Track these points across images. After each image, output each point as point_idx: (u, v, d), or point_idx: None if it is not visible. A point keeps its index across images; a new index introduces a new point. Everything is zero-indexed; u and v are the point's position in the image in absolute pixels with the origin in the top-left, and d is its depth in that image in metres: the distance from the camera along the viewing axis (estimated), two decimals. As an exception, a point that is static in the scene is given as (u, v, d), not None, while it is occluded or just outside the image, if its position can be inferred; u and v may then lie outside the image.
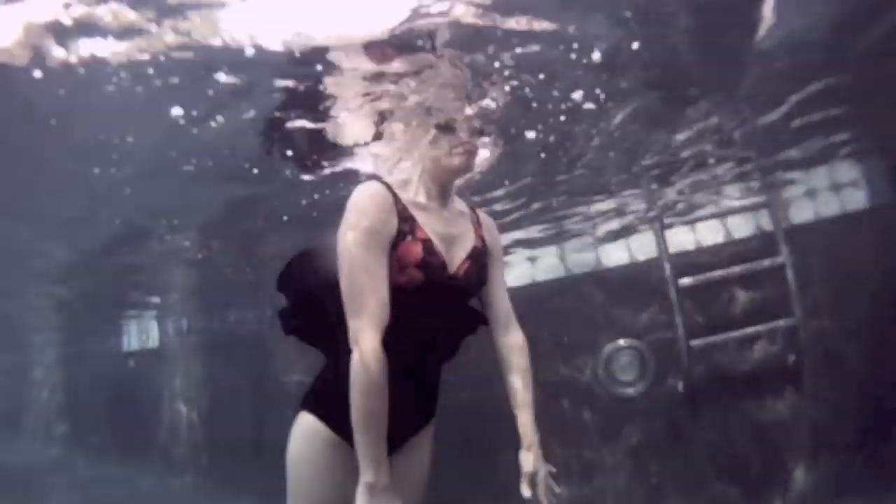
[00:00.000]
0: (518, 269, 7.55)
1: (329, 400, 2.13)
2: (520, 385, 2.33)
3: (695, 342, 5.23)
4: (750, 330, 5.19)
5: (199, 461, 9.77)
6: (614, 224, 6.89)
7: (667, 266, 5.36)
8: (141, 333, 12.03)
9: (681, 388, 5.47)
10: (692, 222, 6.44)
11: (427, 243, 2.14)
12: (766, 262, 5.17)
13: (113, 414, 12.14)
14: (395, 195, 2.15)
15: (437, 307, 2.21)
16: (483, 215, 2.48)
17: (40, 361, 16.06)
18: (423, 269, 2.11)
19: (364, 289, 1.95)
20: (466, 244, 2.29)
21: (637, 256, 6.65)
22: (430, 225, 2.19)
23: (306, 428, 2.15)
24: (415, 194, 2.24)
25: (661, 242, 5.48)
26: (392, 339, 1.96)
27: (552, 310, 6.18)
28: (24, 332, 15.92)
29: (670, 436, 5.57)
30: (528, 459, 2.22)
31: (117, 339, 12.60)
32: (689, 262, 5.61)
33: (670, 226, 6.22)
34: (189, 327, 11.03)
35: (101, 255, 9.27)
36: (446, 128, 2.26)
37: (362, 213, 2.05)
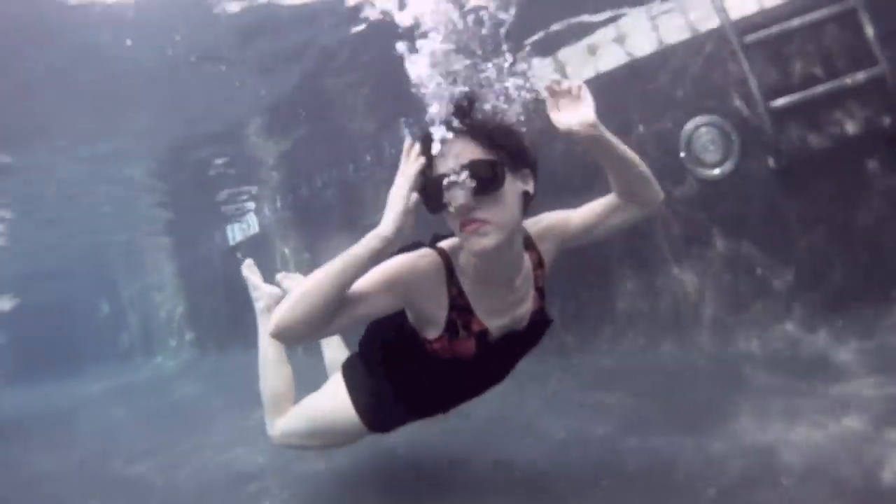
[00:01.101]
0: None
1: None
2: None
3: (776, 103, 4.38)
4: (831, 86, 4.28)
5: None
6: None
7: (728, 25, 4.55)
8: (241, 224, 12.23)
9: (772, 164, 4.60)
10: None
11: (482, 337, 2.19)
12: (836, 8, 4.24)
13: (229, 308, 12.50)
14: (451, 273, 2.14)
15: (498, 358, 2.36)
16: (542, 241, 2.35)
17: (159, 284, 16.78)
18: (478, 356, 2.21)
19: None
20: (527, 304, 2.30)
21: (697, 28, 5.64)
22: (487, 307, 2.19)
23: None
24: (474, 274, 2.15)
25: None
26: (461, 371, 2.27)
27: (620, 97, 5.43)
28: (139, 258, 16.83)
29: (767, 217, 4.75)
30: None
31: (222, 237, 12.81)
32: (751, 23, 4.67)
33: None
34: (282, 203, 11.08)
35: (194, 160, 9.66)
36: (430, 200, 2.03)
37: (400, 266, 2.07)
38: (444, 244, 2.21)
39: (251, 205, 11.96)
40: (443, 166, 1.96)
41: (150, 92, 6.83)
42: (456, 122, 1.96)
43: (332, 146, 9.02)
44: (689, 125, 5.04)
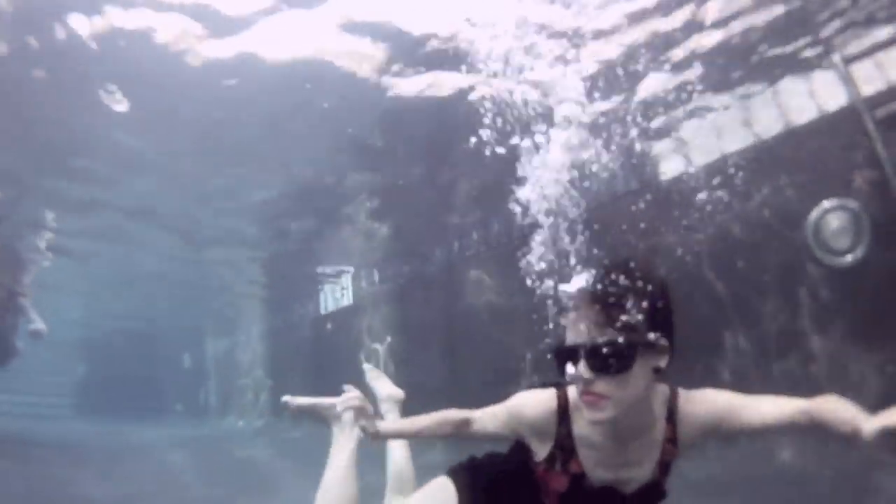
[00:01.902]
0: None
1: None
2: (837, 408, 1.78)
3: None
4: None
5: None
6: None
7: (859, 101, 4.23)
8: (335, 293, 12.28)
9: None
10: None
11: (577, 479, 2.14)
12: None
13: (314, 374, 12.50)
14: (564, 412, 2.14)
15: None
16: (688, 420, 2.10)
17: (246, 343, 17.00)
18: (569, 494, 2.15)
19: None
20: (642, 471, 2.13)
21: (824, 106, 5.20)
22: (593, 455, 2.13)
23: None
24: (585, 425, 2.10)
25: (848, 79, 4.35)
26: None
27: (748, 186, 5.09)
28: (231, 321, 17.42)
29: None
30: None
31: (315, 303, 12.86)
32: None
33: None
34: (381, 277, 11.04)
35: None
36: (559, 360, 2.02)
37: (520, 409, 2.20)
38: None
39: (349, 269, 12.08)
40: (571, 334, 1.96)
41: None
42: (588, 284, 1.94)
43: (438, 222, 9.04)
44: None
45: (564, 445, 2.14)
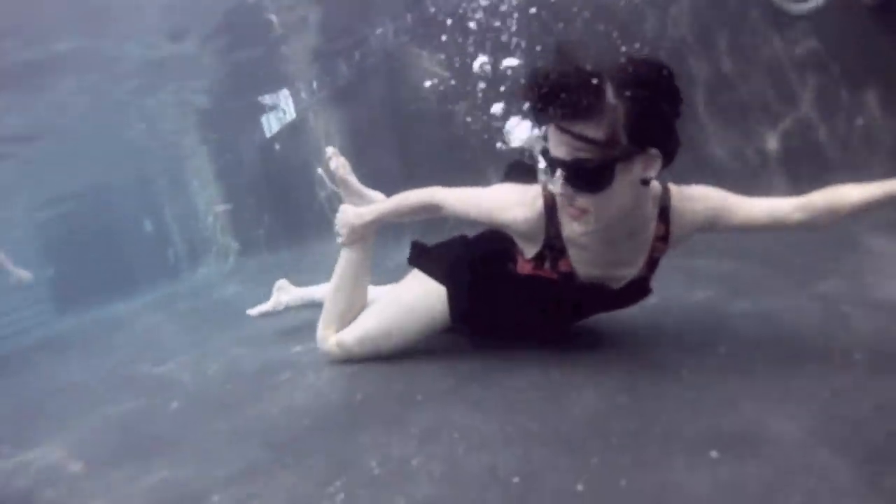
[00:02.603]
0: None
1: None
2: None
3: None
4: None
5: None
6: None
7: None
8: (278, 115, 11.54)
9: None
10: None
11: (567, 277, 2.15)
12: None
13: (271, 198, 12.04)
14: (552, 213, 2.07)
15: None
16: (681, 218, 2.07)
17: (200, 190, 16.41)
18: (559, 287, 2.20)
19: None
20: (631, 269, 2.15)
21: None
22: (582, 256, 2.12)
23: None
24: (579, 232, 2.05)
25: None
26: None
27: None
28: (177, 162, 16.43)
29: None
30: None
31: (259, 132, 12.17)
32: None
33: None
34: (318, 84, 10.11)
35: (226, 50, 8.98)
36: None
37: (502, 208, 2.15)
38: None
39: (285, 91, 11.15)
40: (550, 144, 1.84)
41: None
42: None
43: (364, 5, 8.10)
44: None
45: (554, 245, 2.13)
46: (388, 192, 2.95)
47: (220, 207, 13.69)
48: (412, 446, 1.94)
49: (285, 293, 4.11)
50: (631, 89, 1.72)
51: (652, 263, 2.17)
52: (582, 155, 1.76)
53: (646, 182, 1.85)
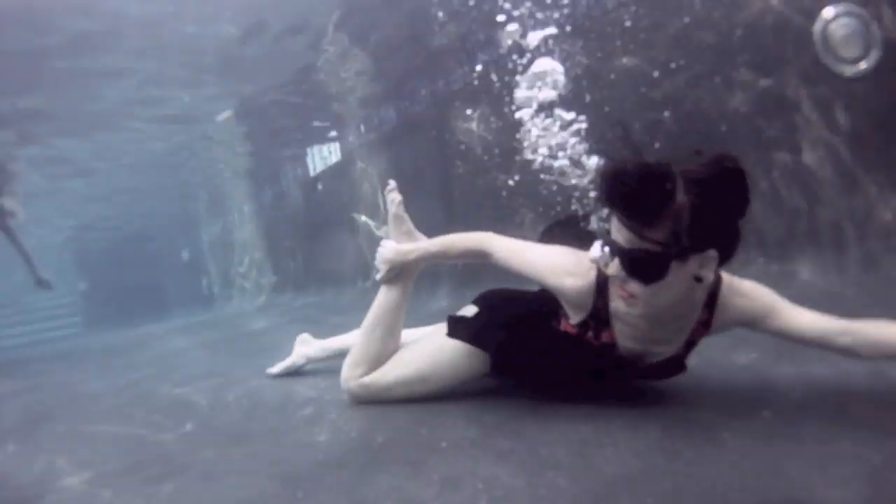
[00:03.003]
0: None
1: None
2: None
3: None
4: None
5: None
6: None
7: None
8: (322, 154, 11.60)
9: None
10: None
11: (607, 347, 2.19)
12: None
13: (310, 238, 12.08)
14: (602, 288, 2.12)
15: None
16: (726, 310, 2.09)
17: (239, 223, 16.54)
18: (598, 352, 2.24)
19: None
20: (670, 348, 2.19)
21: None
22: (625, 330, 2.14)
23: None
24: (626, 309, 2.05)
25: None
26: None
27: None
28: (221, 204, 16.96)
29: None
30: None
31: (303, 167, 12.25)
32: None
33: None
34: (366, 128, 10.19)
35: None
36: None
37: (554, 276, 2.21)
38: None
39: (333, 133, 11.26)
40: (613, 228, 1.90)
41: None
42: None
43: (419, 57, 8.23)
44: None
45: (599, 317, 2.16)
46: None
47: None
48: (431, 493, 1.82)
49: (308, 346, 4.03)
50: (699, 190, 1.74)
51: (690, 344, 2.20)
52: (640, 246, 1.82)
53: (699, 279, 1.88)
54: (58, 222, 16.65)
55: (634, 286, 1.91)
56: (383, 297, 2.94)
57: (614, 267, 1.92)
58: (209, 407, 3.58)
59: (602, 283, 2.11)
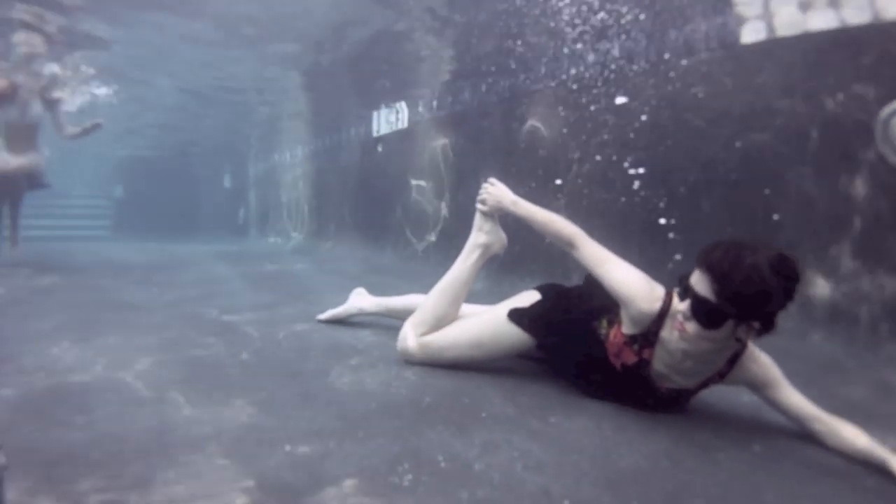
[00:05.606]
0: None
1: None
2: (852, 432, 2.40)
3: None
4: None
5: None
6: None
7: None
8: (389, 117, 11.72)
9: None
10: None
11: (642, 362, 2.62)
12: None
13: (360, 195, 12.33)
14: (662, 316, 2.54)
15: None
16: (741, 371, 2.58)
17: (290, 162, 16.68)
18: (627, 370, 2.69)
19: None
20: (687, 383, 2.63)
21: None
22: (664, 356, 2.57)
23: None
24: (674, 339, 2.49)
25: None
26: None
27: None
28: (274, 143, 17.21)
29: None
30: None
31: (366, 125, 12.38)
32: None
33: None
34: (439, 104, 10.30)
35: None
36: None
37: (634, 294, 2.57)
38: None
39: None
40: (694, 275, 2.33)
41: None
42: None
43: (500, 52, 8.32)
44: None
45: (649, 337, 2.57)
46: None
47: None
48: (475, 453, 2.18)
49: (363, 299, 4.36)
50: (755, 289, 2.17)
51: (703, 385, 2.63)
52: (710, 298, 2.24)
53: (738, 340, 2.33)
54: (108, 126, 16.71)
55: (692, 325, 2.32)
56: (459, 267, 3.35)
57: (683, 305, 2.34)
58: (261, 340, 3.87)
59: (663, 313, 2.52)
